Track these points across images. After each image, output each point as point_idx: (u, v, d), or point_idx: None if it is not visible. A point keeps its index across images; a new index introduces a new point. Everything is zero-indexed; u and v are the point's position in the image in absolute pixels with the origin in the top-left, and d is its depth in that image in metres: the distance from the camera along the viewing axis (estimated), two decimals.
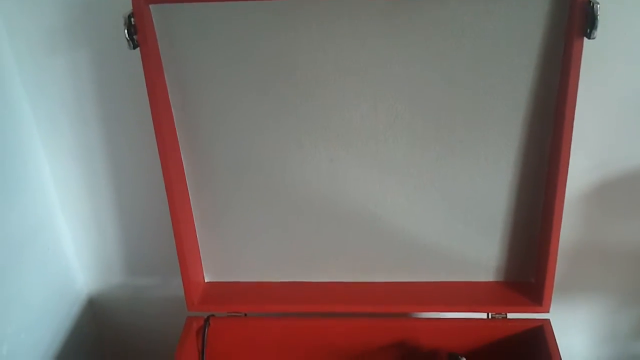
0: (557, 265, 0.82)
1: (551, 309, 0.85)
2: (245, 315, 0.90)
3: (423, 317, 0.96)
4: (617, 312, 0.99)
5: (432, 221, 0.85)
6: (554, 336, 0.84)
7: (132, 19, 0.71)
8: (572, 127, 0.74)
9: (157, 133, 0.77)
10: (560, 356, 0.81)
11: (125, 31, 0.71)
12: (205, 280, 0.93)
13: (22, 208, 0.86)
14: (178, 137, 0.82)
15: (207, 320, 0.89)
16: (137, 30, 0.71)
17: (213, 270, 0.92)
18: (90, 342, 1.06)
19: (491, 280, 0.90)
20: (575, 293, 0.97)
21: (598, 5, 0.67)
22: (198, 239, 0.89)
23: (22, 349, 0.87)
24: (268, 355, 0.91)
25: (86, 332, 1.04)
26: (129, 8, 0.70)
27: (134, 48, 0.72)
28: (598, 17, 0.67)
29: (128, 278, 1.02)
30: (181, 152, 0.83)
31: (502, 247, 0.87)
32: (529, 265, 0.88)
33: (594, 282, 0.97)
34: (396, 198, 0.84)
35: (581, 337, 1.02)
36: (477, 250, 0.88)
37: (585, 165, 0.86)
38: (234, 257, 0.91)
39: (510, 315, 0.88)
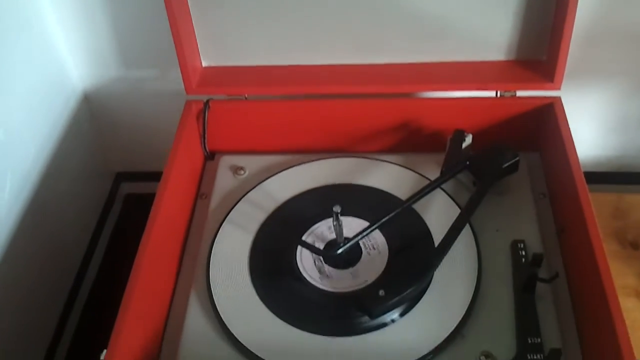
0: (570, 46, 0.78)
1: (562, 96, 0.82)
2: (246, 98, 0.87)
3: (430, 96, 0.93)
4: (628, 99, 0.96)
5: None
6: (565, 113, 0.81)
7: None
8: None
9: None
10: (570, 132, 0.79)
11: None
12: (203, 65, 0.89)
13: None
14: None
15: (206, 103, 0.86)
16: None
17: (211, 54, 0.88)
18: (89, 138, 1.04)
19: (501, 59, 0.86)
20: (586, 77, 0.93)
21: None
22: (193, 22, 0.84)
23: (20, 136, 0.85)
24: (269, 137, 0.89)
25: (84, 127, 1.02)
26: None
27: None
28: None
29: (124, 71, 0.98)
30: None
31: (514, 24, 0.82)
32: (541, 43, 0.83)
33: (607, 66, 0.92)
34: None
35: (591, 125, 0.99)
36: (487, 26, 0.83)
37: None
38: (231, 40, 0.86)
39: (519, 94, 0.84)
